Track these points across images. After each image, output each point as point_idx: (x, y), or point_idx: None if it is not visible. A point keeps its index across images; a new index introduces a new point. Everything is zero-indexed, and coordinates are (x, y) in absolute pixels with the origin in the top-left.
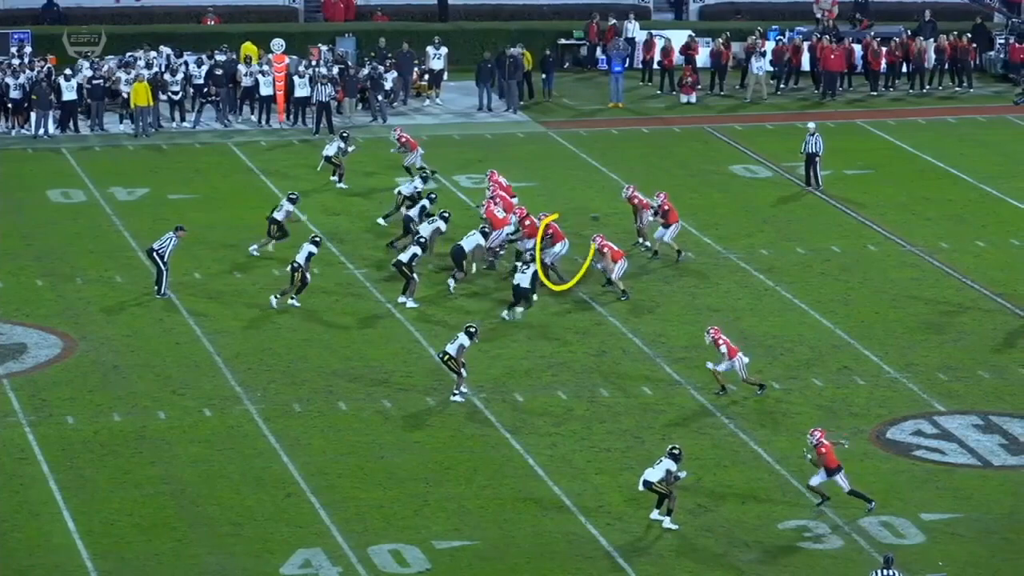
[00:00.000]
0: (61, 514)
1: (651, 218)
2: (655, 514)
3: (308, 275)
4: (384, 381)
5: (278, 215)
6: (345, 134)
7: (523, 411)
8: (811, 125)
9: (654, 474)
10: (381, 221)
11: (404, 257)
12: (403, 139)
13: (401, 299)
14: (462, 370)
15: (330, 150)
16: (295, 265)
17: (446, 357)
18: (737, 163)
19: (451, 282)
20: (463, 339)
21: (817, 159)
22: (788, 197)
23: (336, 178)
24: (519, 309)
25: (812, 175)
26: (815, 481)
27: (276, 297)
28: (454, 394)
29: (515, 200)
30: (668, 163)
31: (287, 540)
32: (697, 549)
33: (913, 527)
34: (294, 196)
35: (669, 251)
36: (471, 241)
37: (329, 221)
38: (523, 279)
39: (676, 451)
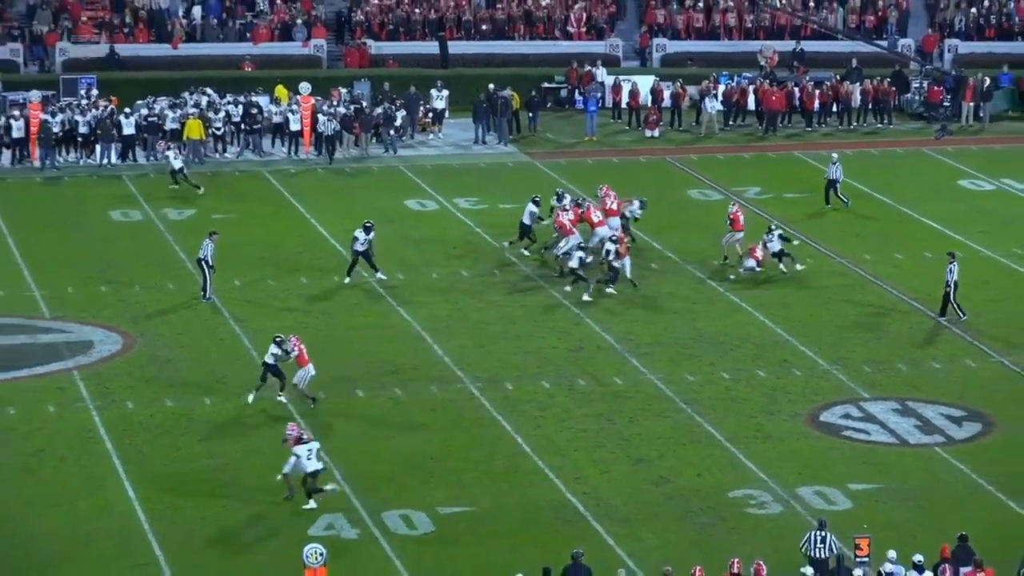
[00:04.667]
0: (122, 484)
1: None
2: (311, 503)
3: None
4: (395, 372)
5: (526, 219)
6: (369, 224)
7: (512, 398)
8: (834, 155)
9: (312, 467)
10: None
11: (574, 264)
12: None
13: (609, 290)
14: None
15: (359, 246)
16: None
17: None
18: (693, 188)
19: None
20: (273, 348)
21: (837, 184)
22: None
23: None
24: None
25: (830, 197)
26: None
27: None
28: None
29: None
30: (635, 188)
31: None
32: (660, 514)
33: (842, 495)
34: (537, 199)
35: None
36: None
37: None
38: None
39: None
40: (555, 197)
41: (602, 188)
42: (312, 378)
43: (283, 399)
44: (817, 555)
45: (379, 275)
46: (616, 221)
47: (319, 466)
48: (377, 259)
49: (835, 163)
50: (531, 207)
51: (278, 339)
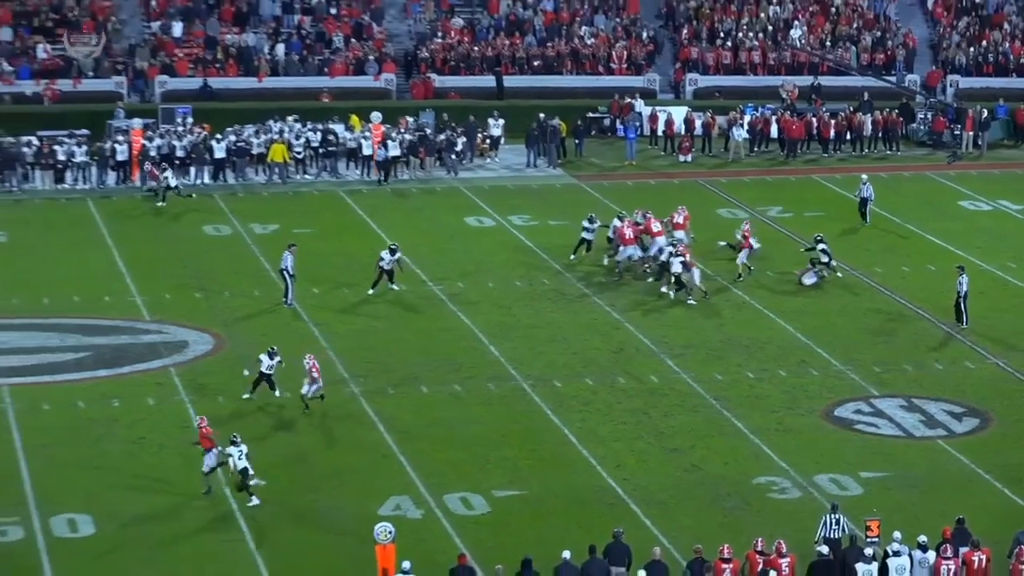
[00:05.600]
0: (214, 470)
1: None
2: (254, 500)
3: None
4: (455, 370)
5: (585, 235)
6: (394, 246)
7: (560, 394)
8: (864, 176)
9: (241, 463)
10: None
11: (676, 269)
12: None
13: (663, 289)
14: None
15: (385, 264)
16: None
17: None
18: (722, 207)
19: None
20: (264, 359)
21: (869, 202)
22: (759, 232)
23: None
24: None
25: (864, 214)
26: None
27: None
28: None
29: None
30: (670, 208)
31: (382, 489)
32: (691, 498)
33: (854, 482)
34: (592, 216)
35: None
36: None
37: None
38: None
39: (235, 438)
40: (587, 220)
41: (680, 208)
42: (318, 389)
43: (278, 393)
44: (832, 535)
45: (394, 287)
46: (681, 234)
47: (246, 465)
48: (399, 275)
49: (865, 183)
50: (587, 224)
51: (271, 351)
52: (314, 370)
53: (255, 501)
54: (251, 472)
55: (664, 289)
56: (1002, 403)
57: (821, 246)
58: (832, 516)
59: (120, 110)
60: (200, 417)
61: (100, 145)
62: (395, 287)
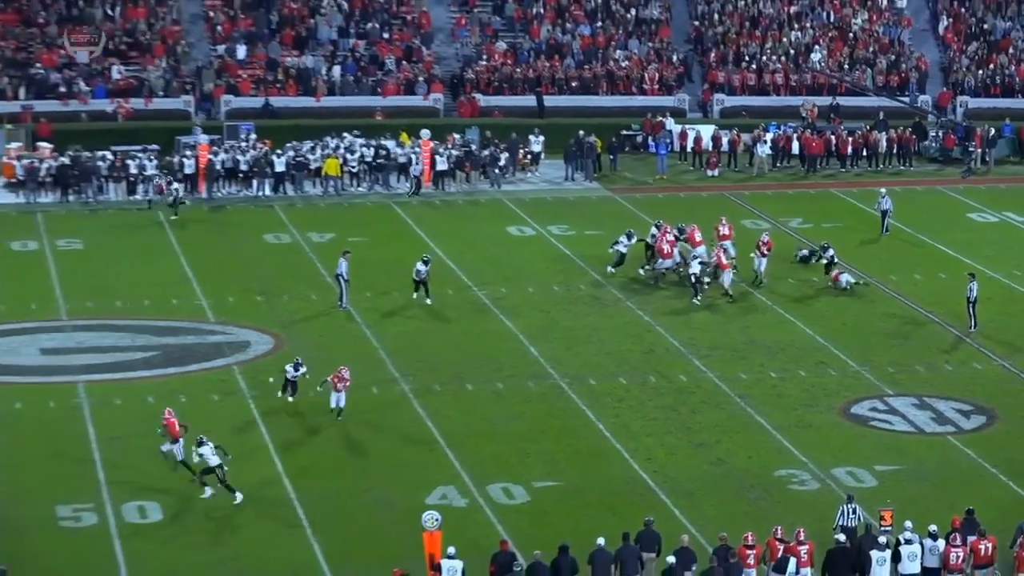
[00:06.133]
0: (272, 460)
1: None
2: (238, 497)
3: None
4: (498, 370)
5: (621, 248)
6: (426, 257)
7: (595, 392)
8: (883, 190)
9: (215, 461)
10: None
11: (696, 270)
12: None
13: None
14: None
15: (419, 276)
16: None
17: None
18: (747, 218)
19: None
20: (289, 369)
21: (889, 213)
22: (779, 241)
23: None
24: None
25: (884, 226)
26: (165, 448)
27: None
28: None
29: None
30: (698, 219)
31: (429, 480)
32: (717, 489)
33: (869, 475)
34: (631, 231)
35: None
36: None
37: (464, 262)
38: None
39: (201, 439)
40: (625, 235)
41: (723, 220)
42: (340, 398)
43: (291, 399)
44: (848, 524)
45: (428, 301)
46: (728, 244)
47: (218, 461)
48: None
49: (884, 196)
50: (624, 239)
51: (297, 362)
52: (337, 380)
53: (239, 497)
54: (226, 469)
55: (696, 300)
56: (1008, 402)
57: (830, 252)
58: (848, 506)
59: (198, 128)
60: (167, 409)
61: (169, 159)
62: (429, 301)
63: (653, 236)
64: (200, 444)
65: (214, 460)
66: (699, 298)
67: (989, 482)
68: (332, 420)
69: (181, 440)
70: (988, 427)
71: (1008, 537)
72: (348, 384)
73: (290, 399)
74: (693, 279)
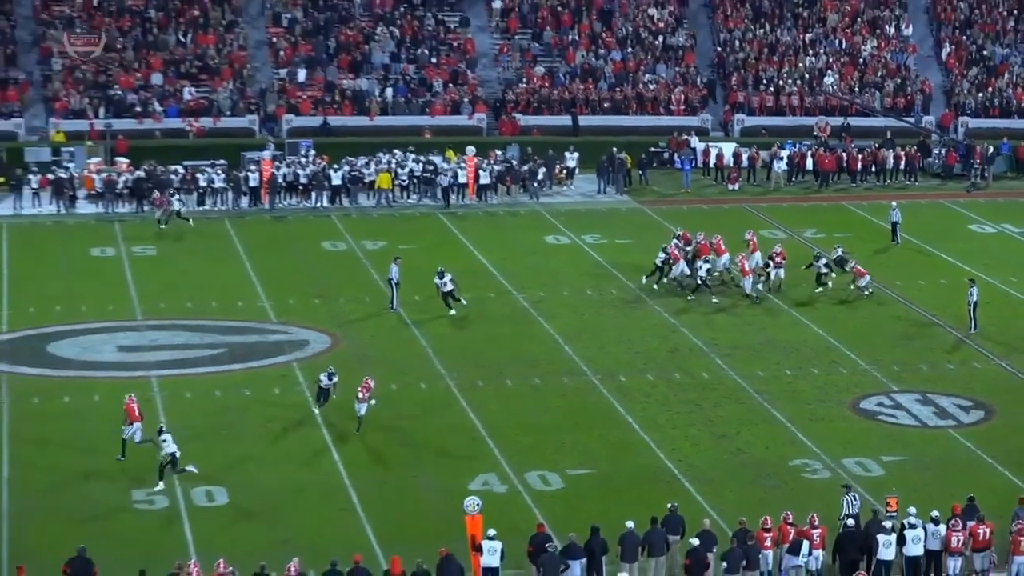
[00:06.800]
0: (328, 448)
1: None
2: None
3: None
4: (535, 367)
5: (659, 261)
6: (443, 271)
7: (624, 387)
8: (893, 203)
9: (172, 448)
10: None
11: (703, 273)
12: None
13: (715, 299)
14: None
15: (445, 287)
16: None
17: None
18: (764, 229)
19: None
20: (323, 378)
21: (898, 225)
22: (794, 249)
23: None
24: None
25: (895, 236)
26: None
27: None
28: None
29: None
30: (720, 229)
31: (471, 467)
32: (736, 477)
33: (876, 465)
34: (667, 247)
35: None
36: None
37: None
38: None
39: (161, 428)
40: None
41: (749, 232)
42: (370, 407)
43: (317, 410)
44: (853, 511)
45: (452, 312)
46: (758, 255)
47: (175, 450)
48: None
49: (894, 209)
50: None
51: (330, 371)
52: (364, 390)
53: (160, 485)
54: (178, 456)
55: (714, 298)
56: (1005, 398)
57: (822, 260)
58: (849, 495)
59: (271, 144)
60: (129, 395)
61: (236, 173)
62: (453, 312)
63: (675, 245)
64: (160, 432)
65: (172, 448)
66: (693, 297)
67: (987, 472)
68: (382, 412)
69: (137, 424)
70: (986, 421)
71: (1006, 522)
72: (372, 392)
73: (320, 408)
74: (700, 281)
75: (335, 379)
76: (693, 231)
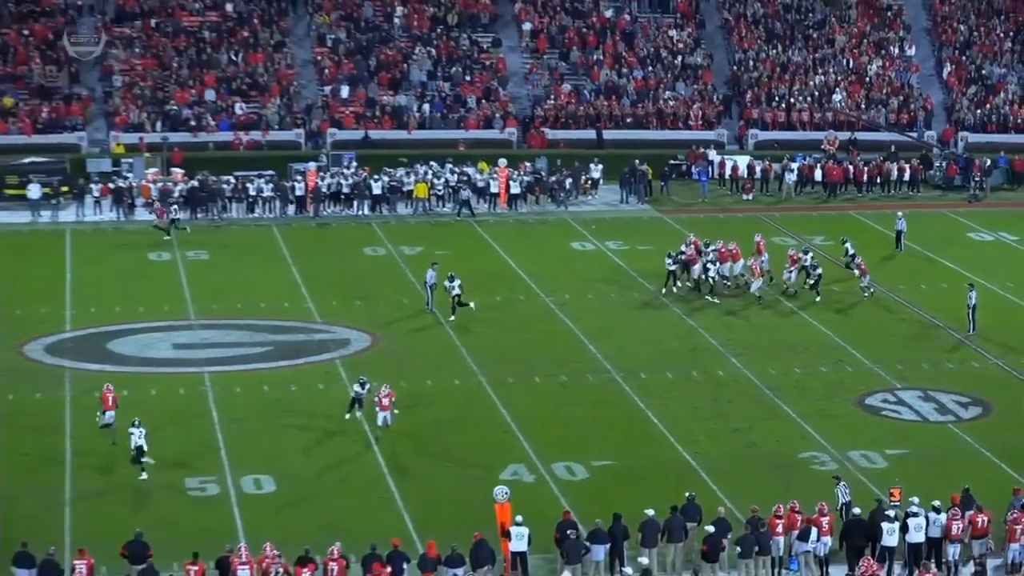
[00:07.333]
0: (368, 440)
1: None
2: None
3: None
4: (562, 364)
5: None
6: (453, 276)
7: (645, 384)
8: (899, 213)
9: (140, 442)
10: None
11: (713, 274)
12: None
13: (716, 300)
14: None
15: (453, 291)
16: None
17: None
18: (776, 236)
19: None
20: (356, 388)
21: (903, 234)
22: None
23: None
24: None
25: (899, 244)
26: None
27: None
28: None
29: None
30: (735, 235)
31: (502, 458)
32: (749, 469)
33: (880, 457)
34: (671, 253)
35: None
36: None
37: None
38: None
39: (135, 421)
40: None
41: (757, 235)
42: (393, 416)
43: (348, 416)
44: (845, 499)
45: (452, 318)
46: (766, 257)
47: (142, 443)
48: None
49: (900, 218)
50: (668, 262)
51: (362, 380)
52: (384, 398)
53: (143, 476)
54: (145, 450)
55: (711, 297)
56: (1001, 395)
57: (812, 263)
58: (841, 485)
59: (323, 155)
60: (106, 385)
61: (283, 183)
62: (452, 318)
63: (683, 253)
64: (133, 425)
65: (139, 441)
66: (712, 296)
67: (984, 464)
68: (419, 406)
69: (111, 412)
70: (984, 417)
71: (1001, 512)
72: (393, 399)
73: (349, 415)
74: (712, 283)
75: (368, 387)
76: (712, 239)
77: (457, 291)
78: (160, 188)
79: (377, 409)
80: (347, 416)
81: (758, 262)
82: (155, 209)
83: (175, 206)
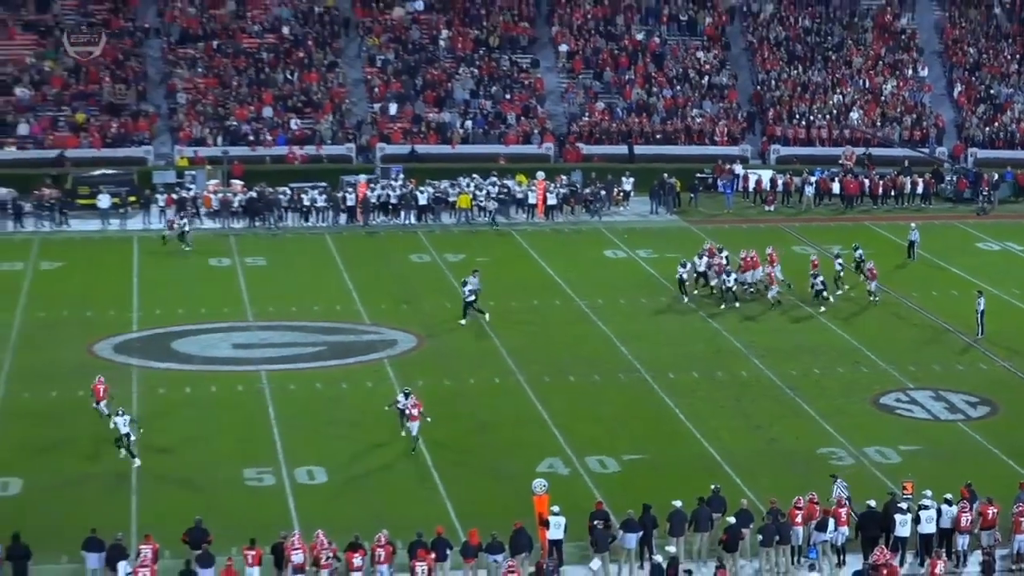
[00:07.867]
0: (414, 436)
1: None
2: (136, 463)
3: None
4: (594, 364)
5: (682, 273)
6: (467, 281)
7: (673, 384)
8: (912, 224)
9: (125, 430)
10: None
11: (731, 283)
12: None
13: (723, 306)
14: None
15: (468, 289)
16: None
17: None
18: (796, 245)
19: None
20: (400, 399)
21: (915, 244)
22: (824, 263)
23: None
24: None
25: (911, 253)
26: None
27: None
28: None
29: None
30: (757, 245)
31: (539, 452)
32: (770, 464)
33: (894, 453)
34: (684, 260)
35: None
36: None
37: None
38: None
39: (120, 411)
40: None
41: (769, 248)
42: (418, 427)
43: (387, 408)
44: (842, 494)
45: (462, 322)
46: (779, 267)
47: (127, 431)
48: (480, 303)
49: (913, 229)
50: (680, 269)
51: (406, 391)
52: (414, 407)
53: (137, 463)
54: (133, 439)
55: (724, 305)
56: (1008, 396)
57: (816, 272)
58: (838, 482)
59: (379, 168)
60: (99, 376)
61: (335, 194)
62: (462, 322)
63: (706, 258)
64: (118, 414)
65: (124, 429)
66: (727, 305)
67: (992, 460)
68: (462, 404)
69: (103, 401)
70: (992, 416)
71: (1008, 505)
72: (421, 409)
73: (404, 433)
74: (731, 292)
75: (411, 398)
76: (735, 248)
77: (471, 297)
78: (221, 199)
79: (408, 423)
80: (401, 426)
81: (773, 270)
82: (167, 220)
83: (185, 220)
